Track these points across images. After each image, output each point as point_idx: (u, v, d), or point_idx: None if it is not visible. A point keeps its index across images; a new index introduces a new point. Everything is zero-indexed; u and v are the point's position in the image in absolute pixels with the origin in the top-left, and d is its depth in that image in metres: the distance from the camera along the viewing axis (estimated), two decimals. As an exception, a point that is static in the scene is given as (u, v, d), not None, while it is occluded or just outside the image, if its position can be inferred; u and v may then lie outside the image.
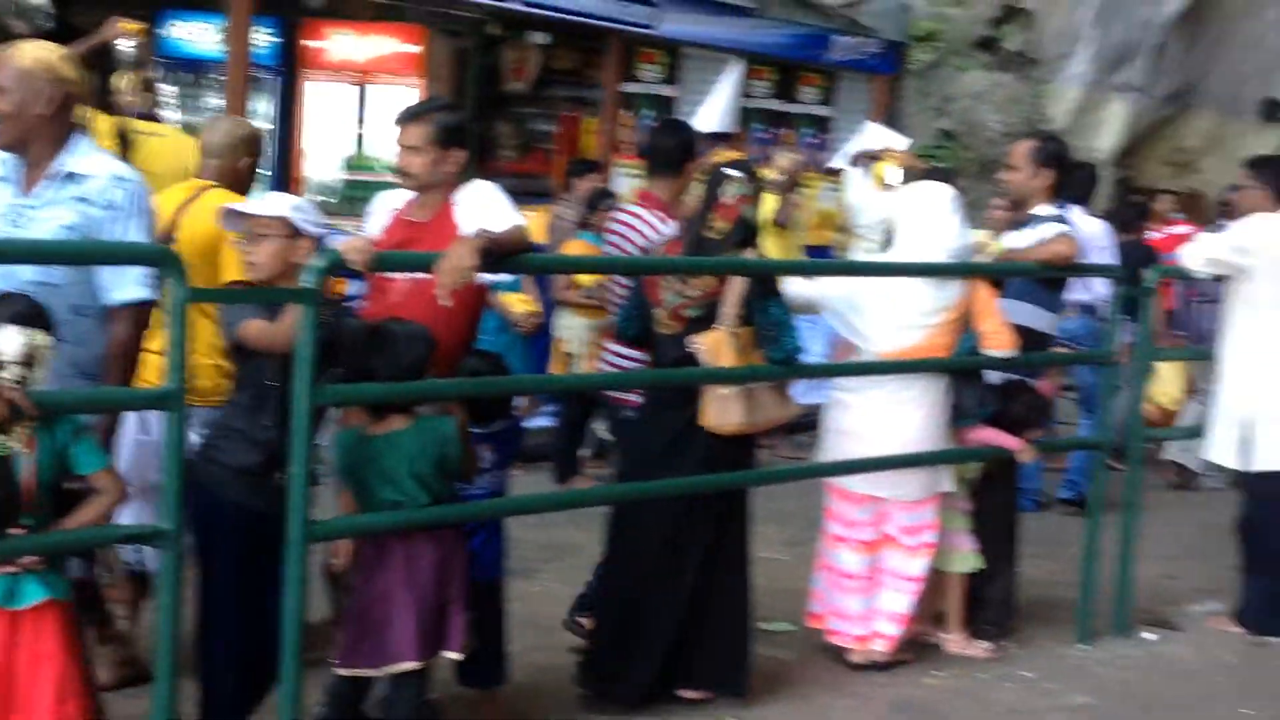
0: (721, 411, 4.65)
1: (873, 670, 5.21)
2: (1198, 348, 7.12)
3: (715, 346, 4.61)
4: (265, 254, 3.88)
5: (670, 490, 4.73)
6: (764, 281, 4.73)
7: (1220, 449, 6.00)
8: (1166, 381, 7.38)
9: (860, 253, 5.50)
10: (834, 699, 4.98)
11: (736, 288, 4.65)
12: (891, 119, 12.10)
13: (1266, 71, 16.20)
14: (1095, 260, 7.16)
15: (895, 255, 5.32)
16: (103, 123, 5.43)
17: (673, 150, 5.41)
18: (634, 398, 5.07)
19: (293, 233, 3.90)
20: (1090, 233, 8.02)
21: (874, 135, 9.36)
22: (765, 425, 4.86)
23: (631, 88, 10.73)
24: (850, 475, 5.21)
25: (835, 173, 10.78)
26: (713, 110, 10.53)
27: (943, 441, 5.28)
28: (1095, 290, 7.43)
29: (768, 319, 4.67)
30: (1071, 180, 8.68)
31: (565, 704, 4.77)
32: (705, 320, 4.67)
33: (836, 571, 5.26)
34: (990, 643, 5.53)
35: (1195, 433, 6.52)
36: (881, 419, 5.19)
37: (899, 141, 9.66)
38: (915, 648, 5.38)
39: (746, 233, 4.73)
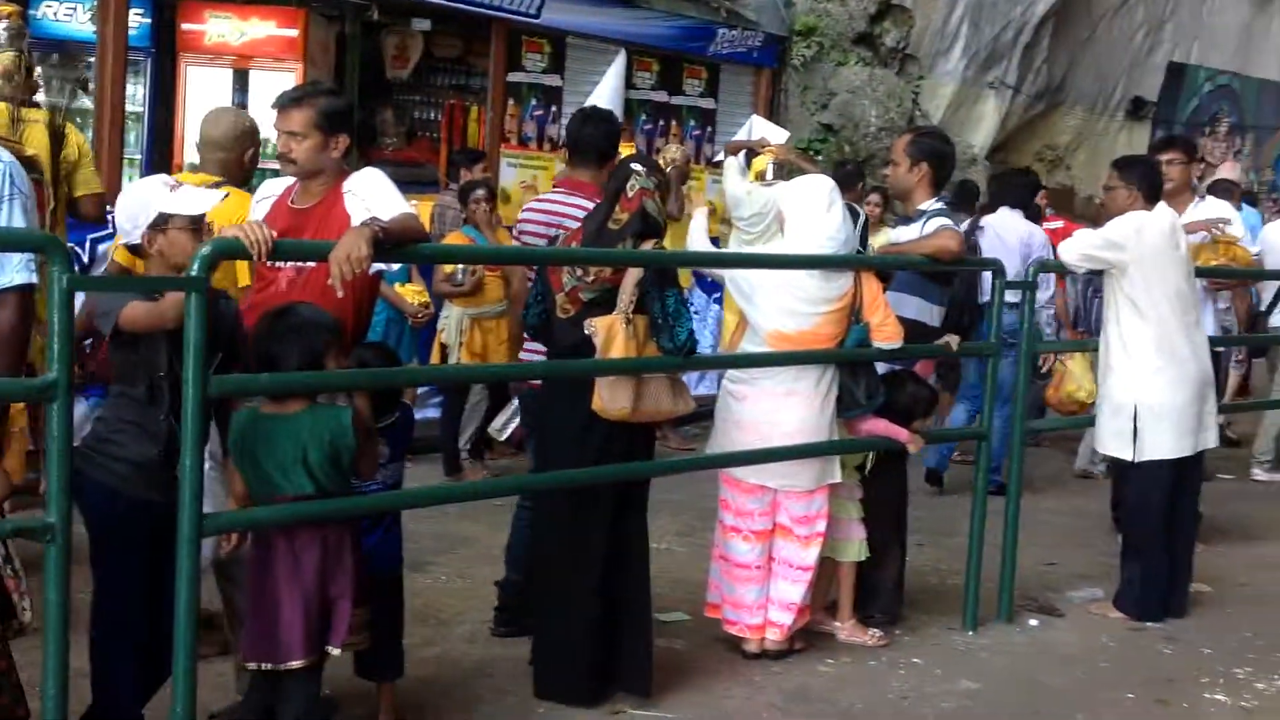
0: (610, 397, 4.64)
1: (767, 659, 5.24)
2: (1089, 340, 7.24)
3: (609, 330, 4.61)
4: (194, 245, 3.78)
5: (565, 481, 4.71)
6: (662, 272, 4.74)
7: (1109, 440, 6.12)
8: (1078, 376, 7.50)
9: (737, 244, 5.54)
10: (729, 688, 5.00)
11: (633, 276, 4.66)
12: (773, 112, 12.18)
13: (1133, 70, 16.70)
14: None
15: (781, 247, 5.34)
16: (34, 114, 5.26)
17: (599, 140, 5.40)
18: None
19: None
20: (1033, 240, 8.26)
21: (758, 128, 9.42)
22: (655, 415, 4.84)
23: (516, 77, 10.65)
24: (745, 466, 5.23)
25: (720, 165, 10.82)
26: (599, 101, 10.49)
27: (833, 432, 5.32)
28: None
29: (663, 309, 4.68)
30: (1009, 186, 9.05)
31: (460, 696, 4.74)
32: (601, 304, 4.67)
33: (731, 561, 5.28)
34: (880, 630, 5.60)
35: (1086, 423, 6.57)
36: (773, 410, 5.22)
37: (777, 134, 9.73)
38: (809, 636, 5.43)
39: (646, 224, 4.72)
